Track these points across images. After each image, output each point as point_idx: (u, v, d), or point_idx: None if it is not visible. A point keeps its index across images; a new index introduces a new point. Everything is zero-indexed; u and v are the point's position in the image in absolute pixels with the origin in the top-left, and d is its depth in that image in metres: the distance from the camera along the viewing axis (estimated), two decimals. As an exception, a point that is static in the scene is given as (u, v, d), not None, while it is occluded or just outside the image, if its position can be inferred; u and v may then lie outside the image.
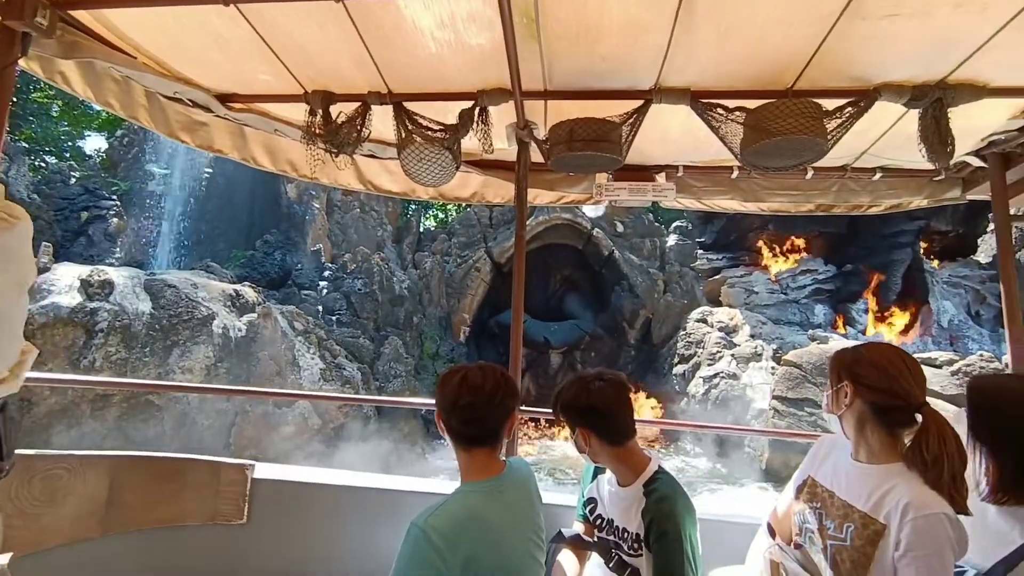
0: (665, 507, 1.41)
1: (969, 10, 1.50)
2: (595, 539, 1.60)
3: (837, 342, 11.60)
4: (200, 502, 2.15)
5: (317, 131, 2.16)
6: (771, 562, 1.32)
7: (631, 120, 2.04)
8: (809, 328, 13.37)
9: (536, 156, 2.40)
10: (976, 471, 1.38)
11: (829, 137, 1.84)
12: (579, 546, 1.56)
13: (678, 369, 13.42)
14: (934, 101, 1.83)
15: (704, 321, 14.01)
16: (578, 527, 1.69)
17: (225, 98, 2.24)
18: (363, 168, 2.69)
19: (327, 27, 1.77)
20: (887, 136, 2.20)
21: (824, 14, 1.56)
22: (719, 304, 14.93)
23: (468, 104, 2.10)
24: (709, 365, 12.67)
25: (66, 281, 8.09)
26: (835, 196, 2.58)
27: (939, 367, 9.44)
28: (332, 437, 9.85)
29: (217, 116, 2.29)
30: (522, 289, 2.35)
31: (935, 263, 14.84)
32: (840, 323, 13.90)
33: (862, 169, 2.50)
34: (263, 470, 2.27)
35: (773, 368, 11.38)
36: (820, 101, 1.84)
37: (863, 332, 13.56)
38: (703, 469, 11.40)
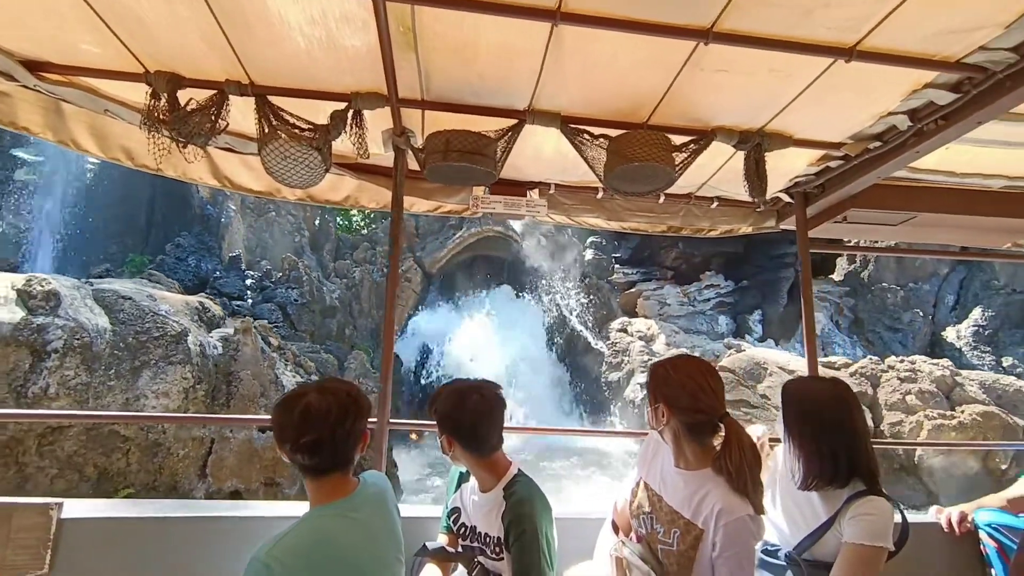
0: (523, 508, 1.48)
1: (780, 75, 1.81)
2: (459, 549, 1.62)
3: (757, 350, 12.91)
4: (-15, 555, 1.76)
5: (161, 117, 1.91)
6: (616, 559, 1.44)
7: (506, 137, 2.11)
8: (715, 337, 14.75)
9: (414, 164, 2.38)
10: (792, 461, 1.61)
11: (677, 168, 2.09)
12: (442, 558, 1.57)
13: (613, 376, 13.96)
14: (755, 145, 2.16)
15: (625, 331, 14.89)
16: (442, 539, 1.70)
17: (35, 66, 1.88)
18: (219, 162, 2.43)
19: (175, 4, 1.58)
20: (721, 171, 2.55)
21: (671, 63, 1.77)
22: (634, 315, 16.01)
23: (341, 105, 2.02)
24: (642, 372, 13.24)
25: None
26: (682, 220, 2.93)
27: (838, 369, 11.19)
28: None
29: (24, 87, 1.92)
30: (393, 296, 2.30)
31: (811, 281, 17.65)
32: (740, 332, 15.65)
33: (703, 198, 2.87)
34: (75, 508, 1.92)
35: None
36: (670, 136, 2.08)
37: (760, 340, 15.33)
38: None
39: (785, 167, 2.47)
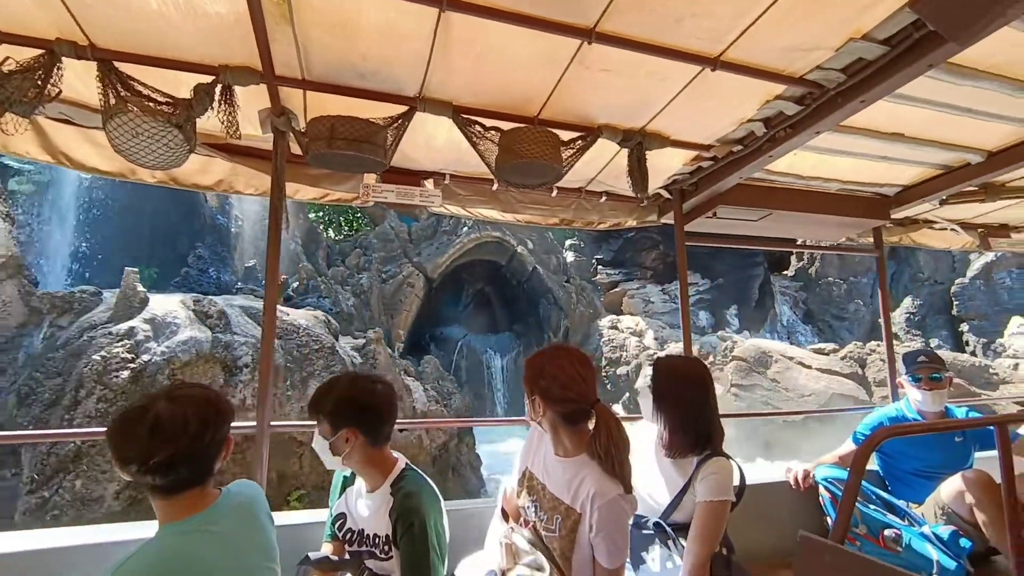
0: (411, 502, 1.47)
1: (656, 78, 1.93)
2: (346, 555, 1.56)
3: (761, 340, 14.10)
4: None
5: (-35, 78, 1.58)
6: (506, 545, 1.47)
7: (396, 124, 2.03)
8: (696, 331, 15.56)
9: (296, 147, 2.21)
10: (663, 433, 1.79)
11: (564, 164, 2.15)
12: (327, 568, 1.50)
13: (621, 370, 14.50)
14: (636, 144, 2.30)
15: (616, 328, 15.34)
16: (327, 547, 1.62)
17: None
18: (52, 135, 2.07)
19: None
20: (608, 167, 2.68)
21: (559, 59, 1.82)
22: (618, 313, 16.53)
23: (207, 79, 1.81)
24: (649, 364, 13.64)
25: (181, 312, 7.10)
26: (574, 213, 3.04)
27: (827, 355, 12.57)
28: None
29: None
30: (276, 286, 2.14)
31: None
32: (719, 325, 16.71)
33: (593, 192, 3.00)
34: None
35: (711, 363, 13.27)
36: (559, 131, 2.14)
37: (737, 331, 16.42)
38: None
39: (664, 165, 2.66)
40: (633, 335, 15.82)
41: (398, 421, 1.66)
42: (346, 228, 18.13)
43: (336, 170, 2.27)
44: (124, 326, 6.62)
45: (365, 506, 1.57)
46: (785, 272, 19.94)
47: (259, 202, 13.25)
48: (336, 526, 1.64)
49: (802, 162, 2.71)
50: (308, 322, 8.33)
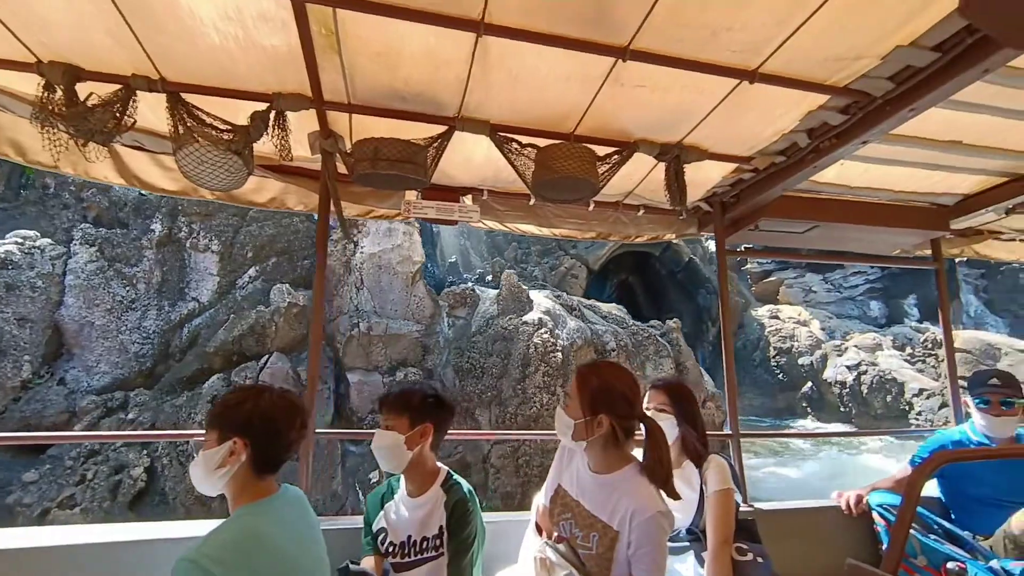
0: (463, 494, 1.66)
1: (692, 91, 1.93)
2: (384, 568, 1.63)
3: (982, 333, 13.61)
4: None
5: (56, 111, 1.76)
6: (540, 560, 1.47)
7: (436, 143, 2.11)
8: (868, 322, 15.07)
9: (343, 167, 2.33)
10: (681, 447, 1.93)
11: (600, 178, 2.17)
12: None
13: (804, 360, 14.33)
14: (674, 157, 2.28)
15: (777, 318, 15.10)
16: (367, 561, 1.68)
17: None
18: (127, 160, 2.27)
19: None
20: (645, 181, 2.67)
21: (593, 76, 1.84)
22: (772, 303, 16.17)
23: (262, 106, 1.94)
24: (838, 355, 13.64)
25: (556, 306, 8.68)
26: (611, 226, 3.04)
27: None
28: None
29: None
30: (322, 300, 2.24)
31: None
32: (894, 316, 15.87)
33: (630, 206, 2.99)
34: None
35: (911, 355, 13.07)
36: (594, 147, 2.16)
37: (919, 321, 15.82)
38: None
39: (703, 178, 2.63)
40: (799, 324, 15.35)
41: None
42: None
43: (380, 188, 2.37)
44: (532, 316, 8.19)
45: (413, 511, 1.64)
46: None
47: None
48: (378, 540, 1.70)
49: (850, 172, 2.61)
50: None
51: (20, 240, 7.38)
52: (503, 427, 7.37)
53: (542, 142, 2.14)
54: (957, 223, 3.01)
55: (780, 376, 15.15)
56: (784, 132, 2.19)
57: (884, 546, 2.39)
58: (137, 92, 1.85)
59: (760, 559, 1.71)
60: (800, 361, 15.07)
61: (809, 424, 14.66)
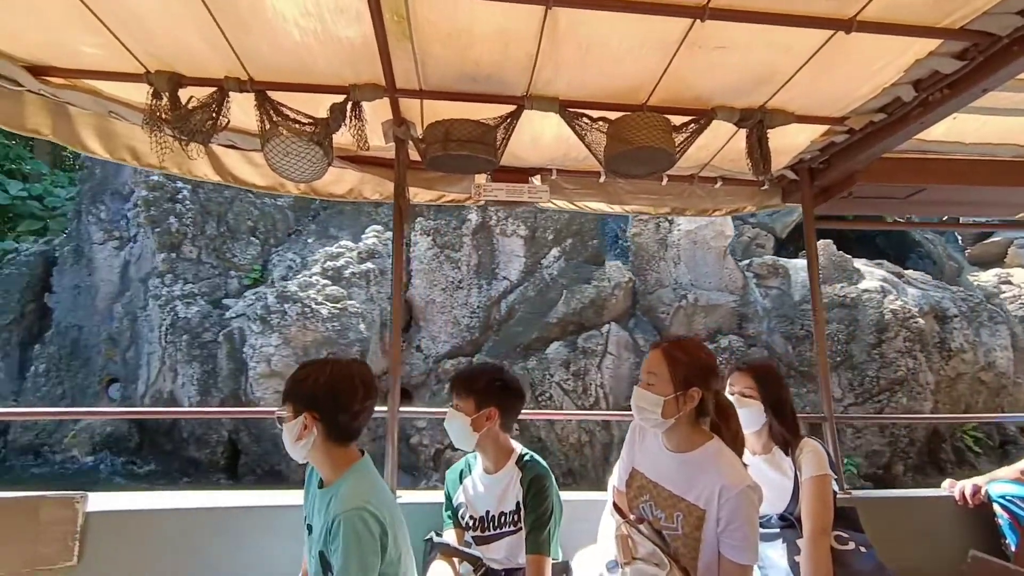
0: (540, 470, 1.67)
1: (777, 49, 1.79)
2: (465, 541, 1.70)
3: None
4: (15, 548, 1.82)
5: (163, 116, 1.93)
6: (620, 537, 1.46)
7: (505, 124, 2.11)
8: None
9: (415, 154, 2.38)
10: (769, 433, 1.87)
11: (677, 149, 2.07)
12: (450, 553, 1.63)
13: None
14: (756, 123, 2.14)
15: (1009, 283, 14.46)
16: (449, 534, 1.75)
17: (40, 71, 1.91)
18: (222, 158, 2.45)
19: (169, 1, 1.59)
20: (724, 150, 2.53)
21: (668, 42, 1.75)
22: (990, 267, 14.78)
23: (340, 98, 2.02)
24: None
25: (892, 277, 8.93)
26: (686, 201, 2.90)
27: None
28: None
29: (30, 92, 1.95)
30: (400, 281, 2.32)
31: None
32: None
33: (706, 178, 2.84)
34: (99, 501, 1.99)
35: None
36: (669, 117, 2.06)
37: None
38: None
39: (788, 144, 2.45)
40: (1034, 291, 14.23)
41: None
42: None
43: (450, 171, 2.41)
44: (871, 284, 8.37)
45: (491, 487, 1.69)
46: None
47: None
48: (459, 514, 1.77)
49: (964, 126, 2.33)
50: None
51: (378, 232, 8.84)
52: (861, 391, 7.67)
53: (613, 115, 2.07)
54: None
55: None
56: (885, 86, 1.98)
57: (1007, 540, 2.16)
58: (229, 93, 1.98)
59: (863, 548, 1.60)
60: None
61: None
